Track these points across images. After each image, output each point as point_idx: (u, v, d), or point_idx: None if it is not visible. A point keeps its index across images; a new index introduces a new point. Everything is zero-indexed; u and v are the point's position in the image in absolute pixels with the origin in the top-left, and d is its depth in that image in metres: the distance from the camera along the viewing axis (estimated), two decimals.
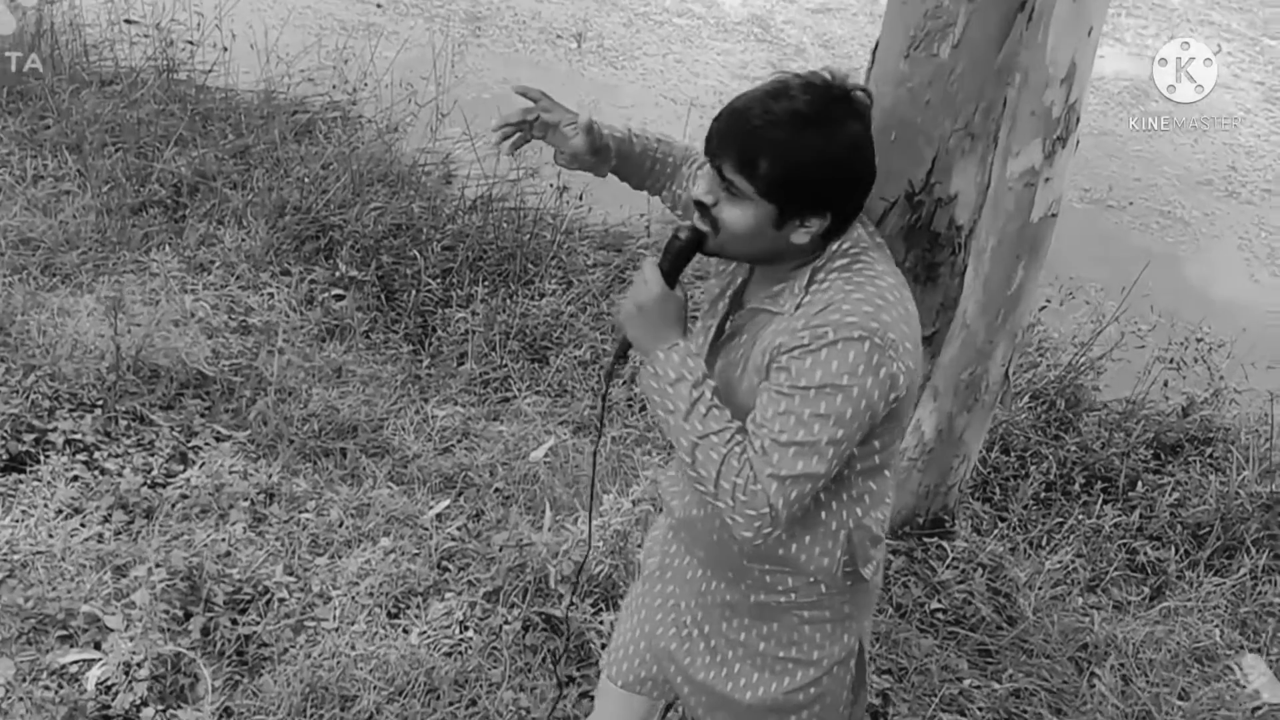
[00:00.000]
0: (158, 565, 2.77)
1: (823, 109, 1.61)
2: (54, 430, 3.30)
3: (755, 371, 1.72)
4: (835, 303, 1.65)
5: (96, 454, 3.31)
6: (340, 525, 3.24)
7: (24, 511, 3.01)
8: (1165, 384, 4.90)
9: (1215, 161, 7.63)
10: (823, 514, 1.80)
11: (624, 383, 4.29)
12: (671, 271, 1.71)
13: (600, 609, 3.07)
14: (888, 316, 1.65)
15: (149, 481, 3.25)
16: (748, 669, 1.94)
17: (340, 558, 3.10)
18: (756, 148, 1.60)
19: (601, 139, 1.96)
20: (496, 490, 3.60)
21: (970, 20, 1.75)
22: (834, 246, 1.70)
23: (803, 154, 1.60)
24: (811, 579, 1.87)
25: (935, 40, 1.74)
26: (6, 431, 3.24)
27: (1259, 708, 3.20)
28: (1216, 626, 3.52)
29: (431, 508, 3.43)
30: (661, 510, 2.15)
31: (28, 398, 3.40)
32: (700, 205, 1.68)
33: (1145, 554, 3.82)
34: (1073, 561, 3.67)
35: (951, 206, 1.93)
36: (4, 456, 3.19)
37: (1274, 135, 8.18)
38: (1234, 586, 3.70)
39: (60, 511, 3.03)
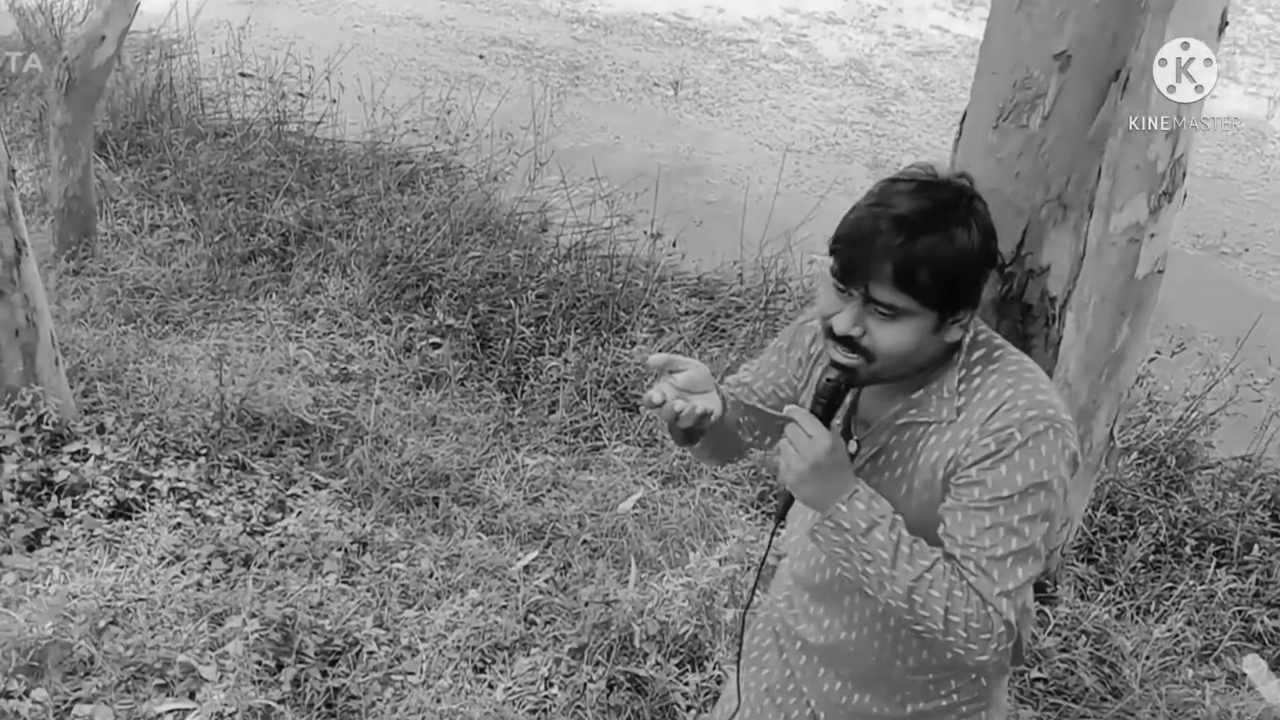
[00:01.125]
0: (252, 615, 2.83)
1: (950, 201, 1.56)
2: (160, 478, 3.41)
3: (925, 488, 1.66)
4: (1006, 399, 1.60)
5: (199, 501, 3.42)
6: (430, 576, 3.28)
7: (129, 558, 3.11)
8: None
9: None
10: None
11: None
12: (826, 417, 1.63)
13: (685, 670, 3.03)
14: (1055, 399, 1.61)
15: (248, 529, 3.34)
16: None
17: (429, 609, 3.13)
18: (911, 260, 1.53)
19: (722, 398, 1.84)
20: (584, 542, 3.60)
21: (1062, 91, 1.70)
22: (966, 338, 1.66)
23: (957, 252, 1.55)
24: (975, 675, 1.81)
25: (1025, 111, 1.70)
26: (115, 479, 3.37)
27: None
28: None
29: (520, 559, 3.45)
30: (752, 613, 2.05)
31: (136, 445, 3.53)
32: (846, 340, 1.60)
33: (1262, 622, 3.62)
34: (1183, 629, 3.49)
35: (1044, 278, 1.88)
36: (112, 503, 3.31)
37: None
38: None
39: (163, 559, 3.13)
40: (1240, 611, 3.66)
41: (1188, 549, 3.87)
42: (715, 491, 3.94)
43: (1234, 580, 3.74)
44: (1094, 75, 1.71)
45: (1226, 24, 2.92)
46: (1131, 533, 3.91)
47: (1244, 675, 3.42)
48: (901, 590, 1.57)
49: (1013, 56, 1.74)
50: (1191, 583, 3.71)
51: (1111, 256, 2.93)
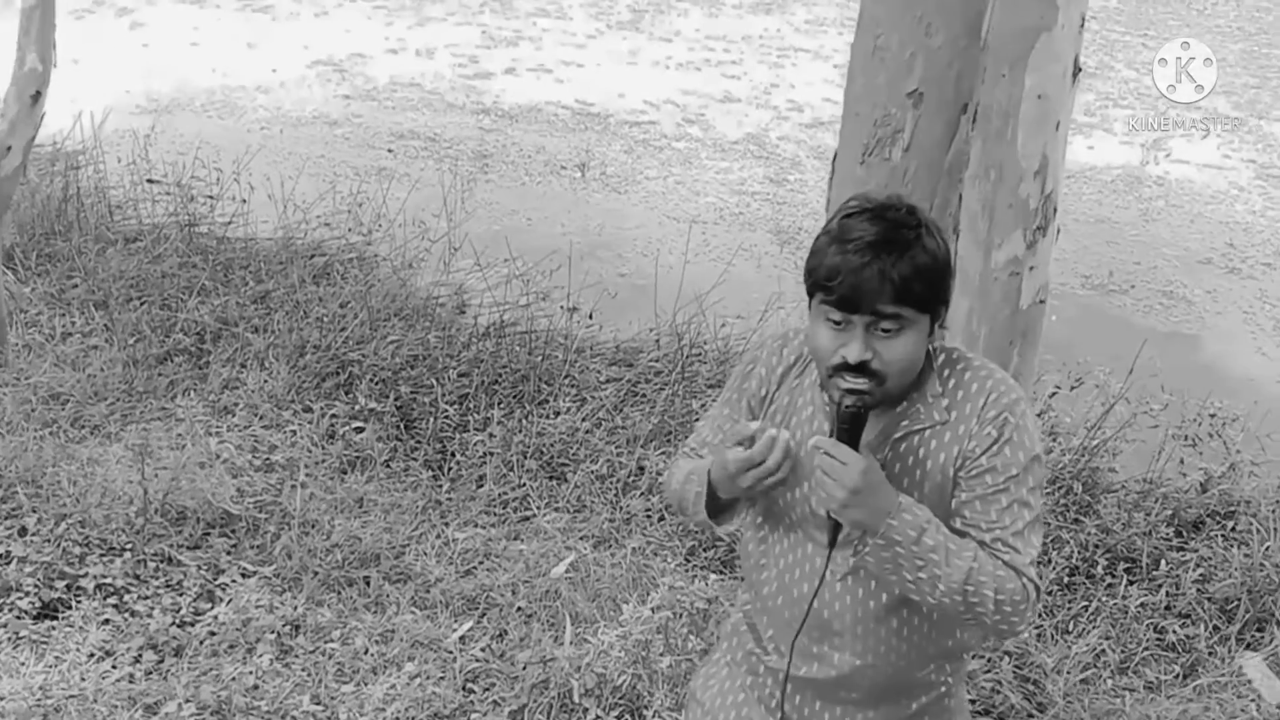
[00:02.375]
0: (187, 700, 2.82)
1: (907, 217, 1.70)
2: (85, 576, 3.38)
3: (935, 490, 1.75)
4: (989, 389, 1.74)
5: (126, 597, 3.39)
6: (365, 653, 3.28)
7: (56, 657, 3.07)
8: (1181, 461, 4.92)
9: (1213, 240, 7.75)
10: None
11: (641, 494, 4.35)
12: (853, 442, 1.68)
13: None
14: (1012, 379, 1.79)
15: (178, 621, 3.32)
16: None
17: (366, 685, 3.13)
18: (906, 274, 1.65)
19: None
20: (519, 609, 3.64)
21: (917, 125, 1.89)
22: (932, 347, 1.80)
23: (933, 257, 1.69)
24: (963, 654, 1.93)
25: (887, 146, 1.87)
26: (39, 580, 3.33)
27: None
28: (1253, 701, 3.47)
29: (455, 630, 3.47)
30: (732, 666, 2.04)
31: (59, 545, 3.49)
32: (860, 367, 1.67)
33: (1174, 632, 3.78)
34: (1100, 644, 3.64)
35: None
36: (37, 605, 3.27)
37: (1269, 211, 8.31)
38: (1267, 659, 3.66)
39: (92, 655, 3.09)
40: (1153, 624, 3.81)
41: (1100, 569, 4.03)
42: (646, 549, 4.01)
43: (1145, 595, 3.91)
44: (944, 110, 1.89)
45: (1080, 69, 3.18)
46: (1045, 558, 4.06)
47: (1161, 681, 3.57)
48: (956, 585, 1.65)
49: (871, 97, 1.91)
50: (1105, 600, 3.86)
51: (995, 291, 3.12)
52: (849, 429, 1.68)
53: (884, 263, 1.64)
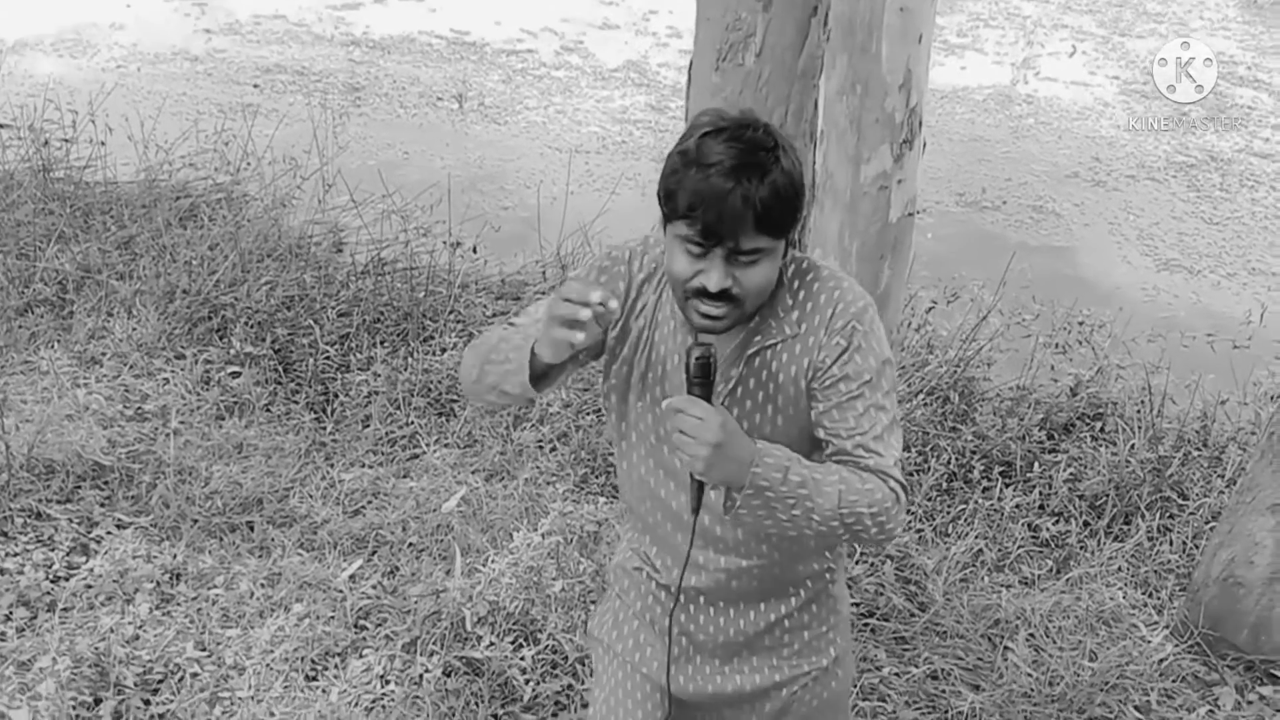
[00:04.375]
0: (62, 654, 2.73)
1: (762, 137, 1.64)
2: None
3: (790, 403, 1.77)
4: (837, 299, 1.74)
5: None
6: (251, 597, 3.22)
7: None
8: (1052, 368, 5.10)
9: (1080, 155, 7.98)
10: None
11: (532, 425, 4.33)
12: (707, 394, 1.64)
13: (520, 645, 3.09)
14: (860, 286, 1.80)
15: (50, 576, 3.20)
16: (808, 652, 2.01)
17: (253, 628, 3.08)
18: (767, 203, 1.60)
19: None
20: (410, 545, 3.61)
21: (768, 29, 1.87)
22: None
23: (790, 179, 1.64)
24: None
25: (739, 50, 1.86)
26: None
27: (1164, 658, 3.33)
28: (1120, 589, 3.65)
29: (344, 569, 3.43)
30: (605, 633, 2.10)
31: None
32: (722, 295, 1.65)
33: (1047, 529, 3.95)
34: (978, 544, 3.78)
35: None
36: None
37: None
38: (1133, 550, 3.85)
39: None
40: (1028, 523, 3.98)
41: (976, 473, 4.17)
42: (538, 479, 4.01)
43: (1020, 496, 4.06)
44: (794, 11, 1.88)
45: None
46: (925, 466, 4.19)
47: (1035, 576, 3.73)
48: (831, 511, 1.65)
49: (722, 2, 1.89)
50: (982, 502, 4.00)
51: (865, 205, 3.17)
52: (701, 381, 1.64)
53: (746, 188, 1.59)
